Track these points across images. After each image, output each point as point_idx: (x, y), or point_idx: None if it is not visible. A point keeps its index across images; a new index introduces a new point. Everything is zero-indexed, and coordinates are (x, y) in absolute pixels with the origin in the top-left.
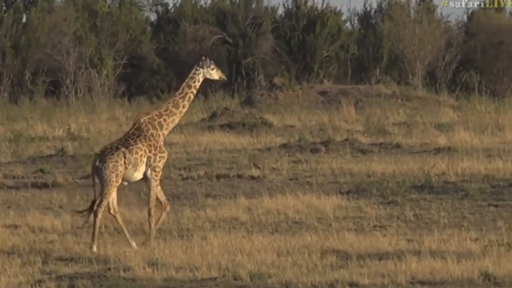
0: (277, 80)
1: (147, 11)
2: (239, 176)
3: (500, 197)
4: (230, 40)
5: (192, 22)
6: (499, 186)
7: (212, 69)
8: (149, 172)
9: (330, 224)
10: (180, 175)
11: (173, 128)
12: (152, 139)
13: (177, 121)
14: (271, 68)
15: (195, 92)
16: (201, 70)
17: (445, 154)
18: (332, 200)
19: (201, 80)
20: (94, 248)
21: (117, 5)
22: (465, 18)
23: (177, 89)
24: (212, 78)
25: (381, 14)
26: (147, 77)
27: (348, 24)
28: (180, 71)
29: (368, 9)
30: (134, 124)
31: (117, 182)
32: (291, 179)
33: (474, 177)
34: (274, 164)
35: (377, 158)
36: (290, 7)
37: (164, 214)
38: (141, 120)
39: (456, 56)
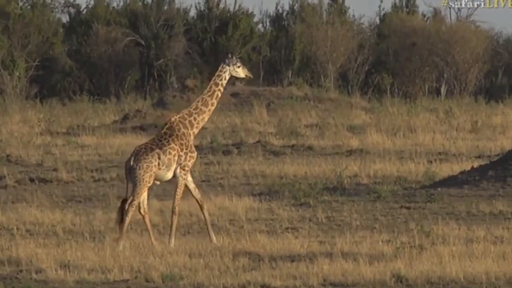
0: (189, 82)
1: (59, 12)
2: None
3: (412, 199)
4: (142, 42)
5: (105, 24)
6: (411, 188)
7: (239, 67)
8: (178, 171)
9: (242, 226)
10: (92, 177)
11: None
12: (184, 138)
13: (206, 119)
14: (183, 70)
15: (222, 89)
16: (228, 68)
17: (357, 156)
18: (244, 202)
19: (227, 78)
20: (121, 247)
21: (29, 7)
22: (378, 20)
23: (89, 90)
24: (238, 76)
25: (293, 16)
26: (59, 78)
27: (260, 26)
28: (92, 72)
29: (280, 11)
30: (166, 124)
31: (149, 182)
32: (203, 181)
33: (386, 179)
34: None
35: (289, 160)
36: (202, 9)
37: (204, 211)
38: (172, 119)
39: (369, 58)
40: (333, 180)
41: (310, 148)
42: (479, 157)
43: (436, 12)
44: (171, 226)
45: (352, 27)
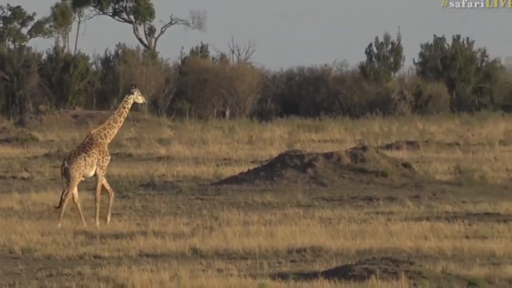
0: (41, 107)
1: None
2: (13, 177)
3: (205, 192)
4: (7, 78)
5: None
6: (204, 184)
7: (139, 95)
8: (98, 170)
9: (80, 213)
10: None
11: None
12: (101, 146)
13: (116, 132)
14: (37, 98)
15: (127, 111)
16: (132, 96)
17: (165, 161)
18: (82, 195)
19: (131, 103)
20: (59, 225)
21: None
22: (180, 62)
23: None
24: (138, 102)
25: (117, 58)
26: None
27: (93, 66)
28: None
29: (108, 54)
30: (88, 136)
31: (79, 178)
32: (52, 179)
33: (186, 178)
34: (39, 168)
35: (114, 164)
36: (51, 53)
37: (111, 198)
38: (92, 132)
39: (173, 89)
40: (146, 178)
41: (130, 155)
42: (253, 162)
43: (222, 56)
44: (95, 210)
45: (161, 67)
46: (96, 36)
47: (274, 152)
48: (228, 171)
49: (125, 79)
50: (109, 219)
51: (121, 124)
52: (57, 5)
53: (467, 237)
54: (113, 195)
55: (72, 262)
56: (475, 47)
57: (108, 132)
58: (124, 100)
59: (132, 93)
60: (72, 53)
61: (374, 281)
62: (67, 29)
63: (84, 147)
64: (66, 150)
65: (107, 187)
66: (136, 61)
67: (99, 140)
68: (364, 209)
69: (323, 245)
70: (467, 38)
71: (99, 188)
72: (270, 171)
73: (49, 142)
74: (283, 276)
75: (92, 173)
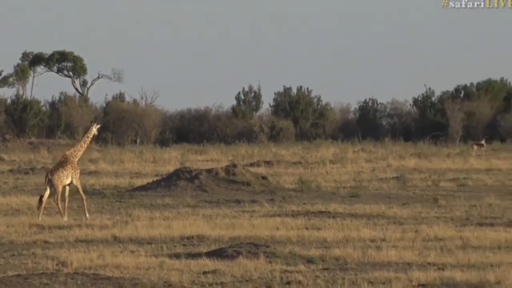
0: (7, 136)
1: None
2: None
3: (122, 197)
4: None
5: None
6: (121, 191)
7: (97, 128)
8: (74, 180)
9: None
10: None
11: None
12: (73, 163)
13: (81, 153)
14: (4, 130)
15: (90, 139)
16: (93, 128)
17: (94, 175)
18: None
19: (92, 133)
20: (65, 218)
21: None
22: (104, 105)
23: None
24: (95, 133)
25: (60, 102)
26: None
27: (44, 107)
28: None
29: (54, 100)
30: (63, 156)
31: (61, 185)
32: (14, 187)
33: (108, 186)
34: (5, 179)
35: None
36: (14, 98)
37: (84, 202)
38: (67, 153)
39: (99, 124)
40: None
41: None
42: (156, 175)
43: (134, 101)
44: (84, 206)
45: (91, 108)
46: (46, 86)
47: (171, 168)
48: (139, 182)
49: (66, 117)
50: (87, 215)
51: (85, 148)
52: (18, 65)
53: (307, 228)
54: (85, 198)
55: (28, 246)
56: (312, 94)
57: (77, 153)
58: (88, 131)
59: (93, 126)
60: (29, 98)
61: (241, 259)
62: (25, 81)
63: (61, 164)
64: (24, 167)
65: (81, 191)
66: (73, 104)
67: (71, 159)
68: (234, 208)
69: (205, 234)
70: (307, 88)
71: (81, 189)
72: (168, 182)
73: (12, 161)
74: (177, 256)
75: (67, 181)
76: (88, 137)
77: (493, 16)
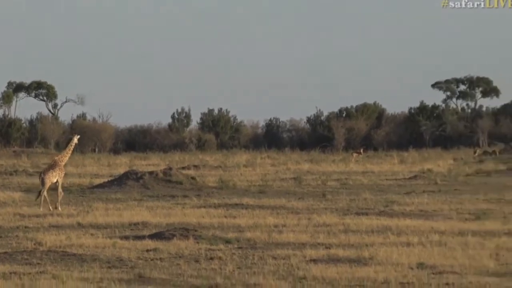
0: None
1: None
2: None
3: (84, 193)
4: None
5: None
6: (84, 188)
7: (77, 138)
8: (59, 180)
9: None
10: None
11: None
12: (60, 166)
13: (67, 158)
14: None
15: (73, 147)
16: (75, 138)
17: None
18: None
19: (74, 143)
20: (41, 209)
21: None
22: (71, 122)
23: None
24: (76, 142)
25: (37, 120)
26: None
27: (24, 124)
28: None
29: (32, 118)
30: (53, 160)
31: (49, 183)
32: (1, 185)
33: (74, 184)
34: None
35: (35, 177)
36: (1, 117)
37: (60, 196)
38: (56, 158)
39: (67, 138)
40: (52, 186)
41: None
42: (111, 176)
43: (94, 119)
44: (58, 199)
45: (61, 125)
46: (26, 108)
47: (122, 171)
48: (97, 181)
49: (41, 131)
50: (59, 208)
51: (70, 154)
52: (4, 91)
53: (225, 216)
54: (62, 194)
55: (12, 230)
56: (230, 114)
57: (63, 158)
58: (71, 141)
59: (74, 137)
60: (13, 117)
61: (176, 240)
62: (10, 104)
63: (52, 166)
64: (9, 169)
65: (60, 189)
66: (47, 122)
67: (59, 163)
68: (170, 201)
69: (148, 220)
70: (226, 109)
71: (61, 187)
72: (119, 181)
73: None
74: (126, 238)
75: (54, 180)
76: (71, 145)
77: (492, 16)
